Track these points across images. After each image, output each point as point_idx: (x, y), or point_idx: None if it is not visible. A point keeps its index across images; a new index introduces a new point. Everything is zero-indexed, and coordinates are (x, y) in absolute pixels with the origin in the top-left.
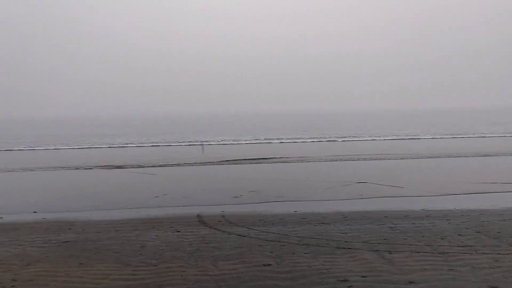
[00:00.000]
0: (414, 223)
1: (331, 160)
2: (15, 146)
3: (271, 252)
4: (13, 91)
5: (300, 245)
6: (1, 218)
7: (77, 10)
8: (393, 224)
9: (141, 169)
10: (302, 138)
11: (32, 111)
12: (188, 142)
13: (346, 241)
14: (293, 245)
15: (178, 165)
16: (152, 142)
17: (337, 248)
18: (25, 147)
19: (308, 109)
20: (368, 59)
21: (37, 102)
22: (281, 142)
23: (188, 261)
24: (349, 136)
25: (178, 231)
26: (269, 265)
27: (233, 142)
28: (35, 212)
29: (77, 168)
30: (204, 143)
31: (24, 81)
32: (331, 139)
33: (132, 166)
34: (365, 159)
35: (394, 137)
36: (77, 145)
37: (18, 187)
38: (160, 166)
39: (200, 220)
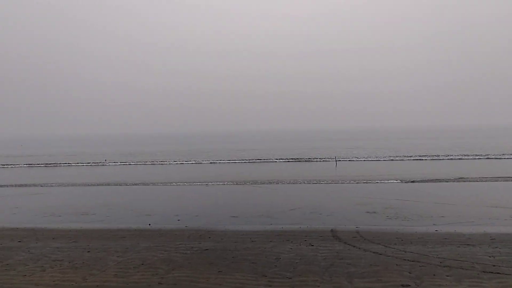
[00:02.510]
0: None
1: (494, 181)
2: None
3: (410, 272)
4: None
5: (441, 266)
6: (149, 225)
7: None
8: None
9: (276, 185)
10: (450, 156)
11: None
12: (325, 158)
13: (494, 265)
14: (433, 266)
15: (312, 181)
16: (287, 158)
17: (484, 272)
18: (174, 162)
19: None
20: None
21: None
22: (428, 160)
23: (322, 275)
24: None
25: (312, 245)
26: (407, 285)
27: (370, 159)
28: (178, 220)
29: (206, 184)
30: (337, 159)
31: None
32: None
33: (270, 182)
34: None
35: None
36: (212, 160)
37: (165, 198)
38: (295, 182)
39: (334, 235)
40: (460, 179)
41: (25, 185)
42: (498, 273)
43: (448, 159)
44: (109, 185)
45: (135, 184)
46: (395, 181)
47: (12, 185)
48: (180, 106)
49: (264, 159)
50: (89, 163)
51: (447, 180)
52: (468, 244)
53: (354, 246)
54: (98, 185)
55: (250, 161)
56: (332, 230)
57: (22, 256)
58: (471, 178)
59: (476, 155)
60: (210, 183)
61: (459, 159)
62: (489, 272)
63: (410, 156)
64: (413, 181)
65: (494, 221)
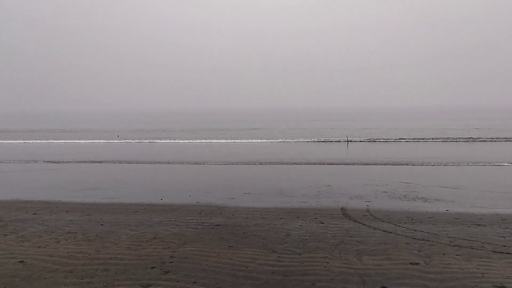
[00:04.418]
0: None
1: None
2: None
3: (419, 251)
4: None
5: (451, 246)
6: (161, 200)
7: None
8: None
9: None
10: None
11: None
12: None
13: (504, 245)
14: (443, 245)
15: (323, 161)
16: (300, 138)
17: (494, 252)
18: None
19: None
20: None
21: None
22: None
23: (331, 252)
24: None
25: (322, 223)
26: (416, 264)
27: (382, 140)
28: (190, 196)
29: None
30: (349, 139)
31: None
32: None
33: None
34: None
35: None
36: (224, 139)
37: (177, 176)
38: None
39: (345, 213)
40: (475, 163)
41: (41, 161)
42: (508, 253)
43: (462, 141)
44: (121, 162)
45: (148, 163)
46: (408, 163)
47: (27, 161)
48: (193, 83)
49: (277, 139)
50: (105, 140)
51: (461, 164)
52: (478, 224)
53: (364, 224)
54: (111, 162)
55: (263, 140)
56: (342, 208)
57: (36, 228)
58: (486, 162)
59: (492, 138)
60: (221, 163)
61: (473, 141)
62: (499, 252)
63: (424, 138)
64: (426, 164)
65: (507, 203)
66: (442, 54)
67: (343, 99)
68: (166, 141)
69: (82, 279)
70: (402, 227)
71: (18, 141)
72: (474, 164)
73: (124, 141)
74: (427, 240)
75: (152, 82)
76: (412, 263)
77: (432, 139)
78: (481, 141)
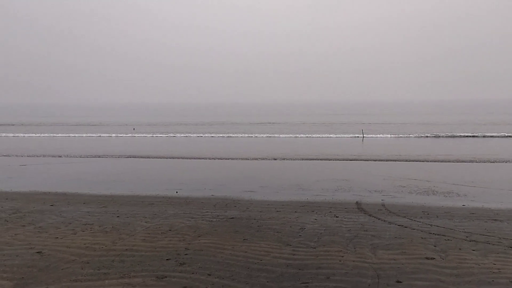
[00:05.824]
0: None
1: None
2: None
3: (435, 246)
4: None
5: (467, 241)
6: (177, 192)
7: None
8: None
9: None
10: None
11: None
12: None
13: None
14: (459, 240)
15: (338, 156)
16: (317, 133)
17: (510, 247)
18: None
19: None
20: None
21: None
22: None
23: (346, 246)
24: None
25: (336, 216)
26: (432, 258)
27: (399, 136)
28: (205, 189)
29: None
30: (364, 133)
31: None
32: None
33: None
34: None
35: None
36: (238, 134)
37: (193, 169)
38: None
39: (359, 207)
40: (493, 160)
41: (58, 156)
42: None
43: (482, 136)
44: (137, 157)
45: (163, 157)
46: (424, 160)
47: (44, 155)
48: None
49: (290, 134)
50: (121, 134)
51: (480, 161)
52: (495, 219)
53: (379, 219)
54: (127, 156)
55: (277, 135)
56: (357, 203)
57: (54, 219)
58: (503, 159)
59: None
60: (236, 158)
61: (491, 137)
62: None
63: (442, 134)
64: (442, 161)
65: None
66: (446, 52)
67: (347, 93)
68: (182, 135)
69: (98, 270)
70: (417, 221)
71: (33, 135)
72: (491, 161)
73: (141, 135)
74: (443, 235)
75: (154, 79)
76: (427, 258)
77: (445, 134)
78: (497, 137)
